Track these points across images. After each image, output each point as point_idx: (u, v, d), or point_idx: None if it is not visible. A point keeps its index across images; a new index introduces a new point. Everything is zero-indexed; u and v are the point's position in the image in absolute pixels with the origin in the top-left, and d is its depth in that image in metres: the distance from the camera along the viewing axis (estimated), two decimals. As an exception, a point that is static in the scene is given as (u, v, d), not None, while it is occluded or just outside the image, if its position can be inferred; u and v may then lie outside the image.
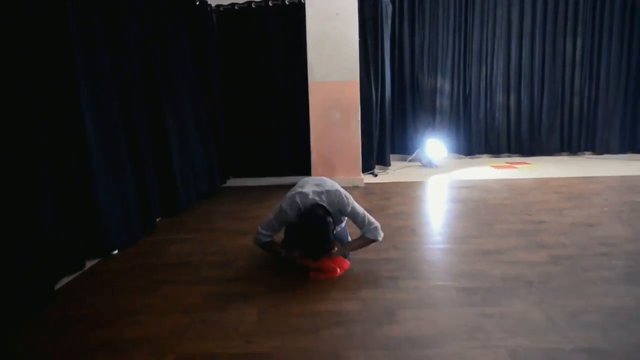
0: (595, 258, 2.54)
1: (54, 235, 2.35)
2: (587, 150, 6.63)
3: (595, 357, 1.60)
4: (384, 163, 5.83)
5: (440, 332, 1.81)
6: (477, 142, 6.64)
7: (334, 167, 4.90)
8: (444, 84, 6.50)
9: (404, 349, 1.69)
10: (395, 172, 5.70)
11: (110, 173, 2.90)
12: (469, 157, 6.63)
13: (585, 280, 2.24)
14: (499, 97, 6.53)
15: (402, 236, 3.10)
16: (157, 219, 3.58)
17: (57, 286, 2.37)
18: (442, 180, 5.09)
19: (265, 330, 1.87)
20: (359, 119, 4.86)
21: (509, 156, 6.63)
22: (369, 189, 4.68)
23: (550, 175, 5.08)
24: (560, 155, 6.61)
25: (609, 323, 1.83)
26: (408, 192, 4.57)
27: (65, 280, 2.45)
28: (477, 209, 3.73)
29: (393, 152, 6.28)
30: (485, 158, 6.63)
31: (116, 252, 2.90)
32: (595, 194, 4.14)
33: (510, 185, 4.63)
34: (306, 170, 4.98)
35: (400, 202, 4.12)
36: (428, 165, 6.01)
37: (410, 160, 6.32)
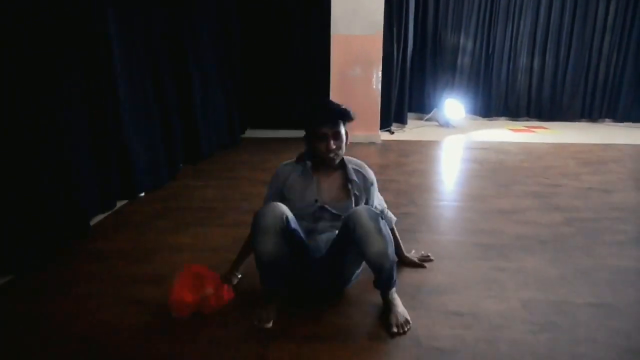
0: (608, 222, 2.61)
1: (86, 175, 2.46)
2: (607, 117, 6.54)
3: (603, 311, 1.69)
4: (401, 121, 5.82)
5: (456, 281, 1.91)
6: (496, 103, 6.56)
7: (352, 122, 4.91)
8: (467, 42, 6.36)
9: (422, 295, 1.80)
10: (412, 130, 5.71)
11: (139, 121, 2.99)
12: (486, 118, 6.58)
13: (597, 242, 2.32)
14: (523, 59, 6.39)
15: (420, 192, 3.18)
16: (181, 166, 3.69)
17: (92, 222, 2.50)
18: (459, 141, 5.11)
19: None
20: (380, 74, 4.82)
21: (527, 120, 6.57)
22: (385, 146, 4.72)
23: (569, 141, 5.06)
24: (580, 121, 6.54)
25: (618, 281, 1.92)
26: (425, 150, 4.60)
27: (99, 218, 2.58)
28: (494, 170, 3.78)
29: (410, 110, 6.25)
30: (502, 121, 6.58)
31: (143, 194, 3.01)
32: (613, 161, 4.15)
33: (528, 149, 4.64)
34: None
35: (418, 159, 4.17)
36: (445, 125, 5.99)
37: (427, 119, 6.30)
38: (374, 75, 4.80)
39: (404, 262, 2.03)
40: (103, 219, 2.59)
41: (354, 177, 1.80)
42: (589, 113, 6.54)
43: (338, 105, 1.77)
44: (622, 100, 6.39)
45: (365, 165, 1.89)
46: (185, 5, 3.67)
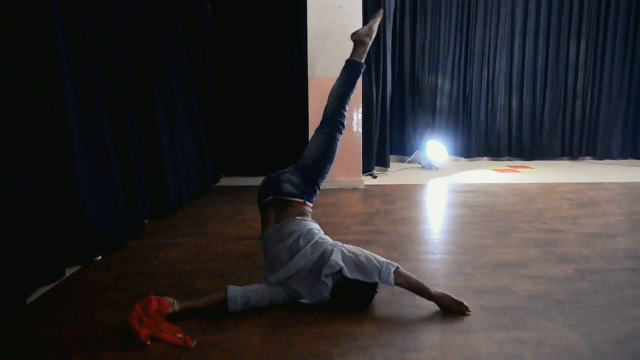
0: (624, 273, 2.35)
1: (29, 239, 2.08)
2: (587, 155, 6.50)
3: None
4: (384, 164, 5.62)
5: (468, 358, 1.59)
6: (476, 143, 6.46)
7: (334, 171, 4.64)
8: (445, 83, 6.30)
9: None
10: (395, 173, 5.49)
11: (94, 172, 2.63)
12: (467, 159, 6.45)
13: (620, 300, 2.05)
14: (501, 98, 6.36)
15: (411, 244, 2.89)
16: (146, 221, 3.31)
17: (32, 297, 2.10)
18: (444, 183, 4.90)
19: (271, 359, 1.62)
20: (360, 117, 4.63)
21: (509, 159, 6.47)
22: (369, 192, 4.46)
23: (556, 181, 4.92)
24: (561, 159, 6.47)
25: (660, 352, 1.63)
26: (411, 195, 4.36)
27: (43, 290, 2.17)
28: (486, 215, 3.53)
29: (391, 152, 6.07)
30: (484, 161, 6.46)
31: (100, 257, 2.62)
32: (606, 201, 3.98)
33: (516, 190, 4.45)
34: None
35: (405, 206, 3.91)
36: (428, 167, 5.81)
37: (409, 162, 6.12)
38: (355, 118, 4.61)
39: (439, 301, 1.95)
40: (47, 293, 2.18)
41: None
42: (569, 151, 6.50)
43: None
44: (599, 138, 6.39)
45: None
46: (150, 38, 3.41)
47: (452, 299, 1.93)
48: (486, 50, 6.23)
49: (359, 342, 1.72)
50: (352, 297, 1.95)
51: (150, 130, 3.37)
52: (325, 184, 4.75)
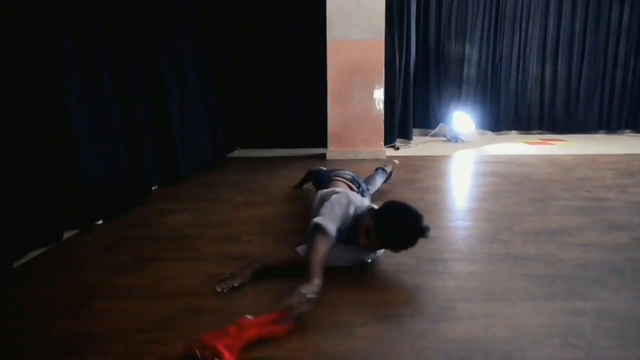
0: (690, 242, 2.04)
1: (17, 197, 1.89)
2: (627, 128, 6.05)
3: None
4: (406, 136, 5.31)
5: (516, 334, 1.32)
6: (505, 116, 6.07)
7: (353, 138, 4.38)
8: (472, 52, 5.90)
9: (472, 357, 1.21)
10: (418, 146, 5.18)
11: (96, 135, 2.43)
12: (495, 132, 6.07)
13: (690, 269, 1.74)
14: (533, 68, 5.94)
15: (440, 212, 2.61)
16: (154, 188, 3.12)
17: (23, 261, 1.92)
18: (472, 155, 4.57)
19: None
20: (383, 83, 4.33)
21: (540, 133, 6.08)
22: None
23: (595, 152, 4.54)
24: (597, 133, 6.04)
25: None
26: (436, 165, 4.06)
27: (35, 253, 2.00)
28: (521, 184, 3.22)
29: (414, 126, 5.75)
30: (513, 134, 6.09)
31: (101, 222, 2.44)
32: (655, 171, 3.61)
33: (552, 161, 4.10)
34: (321, 142, 4.48)
35: (430, 175, 3.62)
36: (453, 139, 5.47)
37: (433, 135, 5.79)
38: (377, 84, 4.30)
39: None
40: (39, 256, 1.99)
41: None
42: (606, 124, 6.06)
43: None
44: (642, 110, 5.92)
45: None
46: (160, 5, 3.18)
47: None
48: (518, 15, 5.80)
49: (382, 311, 1.48)
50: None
51: (158, 96, 3.15)
52: (345, 153, 4.49)
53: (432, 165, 4.01)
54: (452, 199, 2.96)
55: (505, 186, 3.17)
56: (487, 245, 2.06)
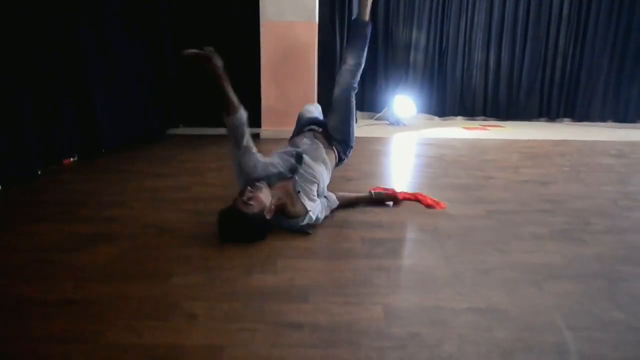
0: (534, 214, 2.23)
1: None
2: (566, 116, 6.26)
3: (488, 317, 1.30)
4: (348, 118, 5.43)
5: (313, 284, 1.49)
6: (451, 102, 6.22)
7: (286, 119, 4.46)
8: (420, 37, 6.02)
9: (268, 301, 1.38)
10: (361, 128, 5.32)
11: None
12: (441, 118, 6.24)
13: (513, 236, 1.93)
14: (478, 54, 6.08)
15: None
16: (72, 159, 3.23)
17: None
18: (404, 138, 4.74)
19: (107, 275, 1.55)
20: (316, 66, 4.45)
21: (484, 119, 6.25)
22: (321, 142, 4.31)
23: (522, 138, 4.74)
24: (539, 120, 6.25)
25: (522, 281, 1.52)
26: (366, 146, 4.21)
27: None
28: (429, 164, 3.40)
29: (361, 109, 5.90)
30: (459, 120, 6.25)
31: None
32: (561, 155, 3.81)
33: (474, 145, 4.29)
34: (255, 122, 4.59)
35: (354, 154, 3.77)
36: (395, 123, 5.63)
37: (377, 118, 5.94)
38: (310, 67, 4.42)
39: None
40: None
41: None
42: (547, 112, 6.26)
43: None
44: (579, 98, 6.12)
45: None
46: None
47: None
48: (465, 1, 5.91)
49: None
50: None
51: (73, 59, 3.21)
52: (279, 133, 4.58)
53: (362, 148, 4.16)
54: (357, 175, 3.12)
55: (414, 166, 3.35)
56: (352, 214, 2.23)
